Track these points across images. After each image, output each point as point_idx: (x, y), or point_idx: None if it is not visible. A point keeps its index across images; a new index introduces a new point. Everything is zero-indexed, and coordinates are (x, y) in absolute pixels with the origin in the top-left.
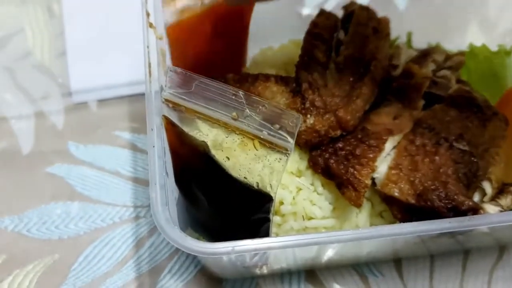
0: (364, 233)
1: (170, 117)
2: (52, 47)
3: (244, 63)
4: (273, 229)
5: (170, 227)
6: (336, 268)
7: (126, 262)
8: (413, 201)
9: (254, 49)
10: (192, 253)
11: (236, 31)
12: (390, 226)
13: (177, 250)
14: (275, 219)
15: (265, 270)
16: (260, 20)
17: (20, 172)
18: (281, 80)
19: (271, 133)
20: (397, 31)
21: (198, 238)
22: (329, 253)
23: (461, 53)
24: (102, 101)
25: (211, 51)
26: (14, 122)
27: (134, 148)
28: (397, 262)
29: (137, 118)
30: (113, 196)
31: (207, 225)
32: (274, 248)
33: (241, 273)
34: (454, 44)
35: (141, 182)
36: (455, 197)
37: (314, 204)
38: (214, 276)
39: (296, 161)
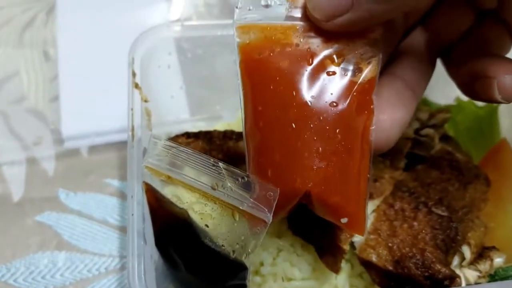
0: None
1: (151, 183)
2: (46, 90)
3: None
4: None
5: None
6: None
7: None
8: (390, 268)
9: None
10: None
11: None
12: None
13: None
14: (255, 279)
15: None
16: None
17: (10, 220)
18: None
19: (250, 204)
20: None
21: None
22: None
23: (446, 110)
24: (93, 147)
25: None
26: (6, 168)
27: (122, 196)
28: None
29: (126, 165)
30: (100, 246)
31: (187, 286)
32: None
33: None
34: (441, 96)
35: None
36: (432, 265)
37: (294, 266)
38: None
39: (277, 222)
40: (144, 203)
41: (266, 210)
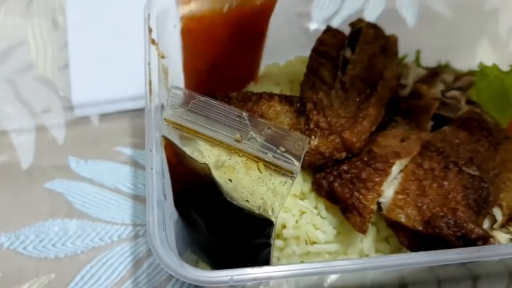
0: (368, 263)
1: (170, 138)
2: (55, 59)
3: (257, 74)
4: (275, 253)
5: (165, 253)
6: None
7: (123, 282)
8: (420, 228)
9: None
10: (187, 281)
11: (252, 37)
12: (396, 256)
13: None
14: (277, 243)
15: None
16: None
17: (19, 188)
18: (285, 99)
19: (276, 155)
20: (405, 49)
21: (197, 261)
22: (332, 281)
23: (471, 73)
24: (104, 116)
25: (225, 54)
26: (14, 136)
27: (135, 164)
28: (402, 287)
29: (139, 133)
30: (112, 214)
31: (206, 248)
32: (274, 278)
33: None
34: (464, 63)
35: (141, 199)
36: (465, 225)
37: (318, 228)
38: None
39: (299, 183)
40: (163, 159)
41: (294, 160)
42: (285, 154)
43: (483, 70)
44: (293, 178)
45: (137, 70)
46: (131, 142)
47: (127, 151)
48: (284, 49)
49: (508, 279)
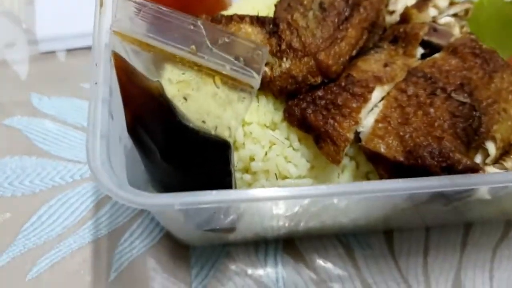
0: (334, 189)
1: (120, 54)
2: None
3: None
4: (243, 188)
5: (105, 174)
6: (318, 238)
7: (84, 223)
8: (401, 159)
9: None
10: (130, 205)
11: None
12: (368, 183)
13: (140, 212)
14: (244, 177)
15: (237, 237)
16: None
17: None
18: (257, 21)
19: (235, 68)
20: None
21: None
22: (306, 218)
23: (469, 1)
24: (71, 51)
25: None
26: None
27: None
28: (388, 234)
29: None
30: (75, 152)
31: (165, 181)
32: (224, 202)
33: (209, 240)
34: None
35: None
36: (451, 154)
37: (289, 162)
38: (180, 242)
39: (270, 112)
40: (111, 76)
41: (253, 72)
42: (244, 66)
43: (483, 1)
44: (252, 93)
45: None
46: None
47: None
48: None
49: (503, 227)
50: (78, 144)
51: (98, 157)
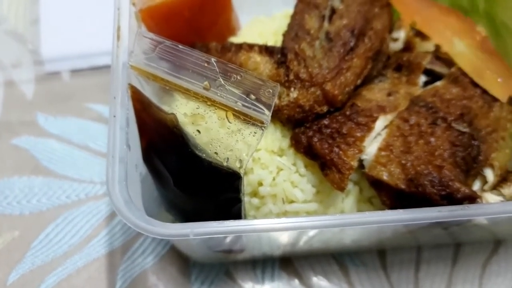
0: (342, 219)
1: (137, 87)
2: (27, 12)
3: (235, 26)
4: (251, 212)
5: (122, 203)
6: (314, 256)
7: (89, 241)
8: (403, 187)
9: (246, 18)
10: (146, 234)
11: (216, 8)
12: (371, 213)
13: None
14: (253, 201)
15: (245, 256)
16: None
17: None
18: (266, 50)
19: (246, 104)
20: None
21: (173, 222)
22: (307, 240)
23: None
24: (75, 71)
25: (192, 31)
26: None
27: (106, 121)
28: (381, 252)
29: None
30: (80, 171)
31: (178, 207)
32: (236, 233)
33: (211, 258)
34: None
35: None
36: (450, 183)
37: (296, 186)
38: (183, 257)
39: (277, 139)
40: (129, 108)
41: (264, 109)
42: (256, 103)
43: None
44: (263, 128)
45: (110, 24)
46: (103, 99)
47: (98, 107)
48: (271, 2)
49: (493, 244)
50: (83, 163)
51: (116, 185)
